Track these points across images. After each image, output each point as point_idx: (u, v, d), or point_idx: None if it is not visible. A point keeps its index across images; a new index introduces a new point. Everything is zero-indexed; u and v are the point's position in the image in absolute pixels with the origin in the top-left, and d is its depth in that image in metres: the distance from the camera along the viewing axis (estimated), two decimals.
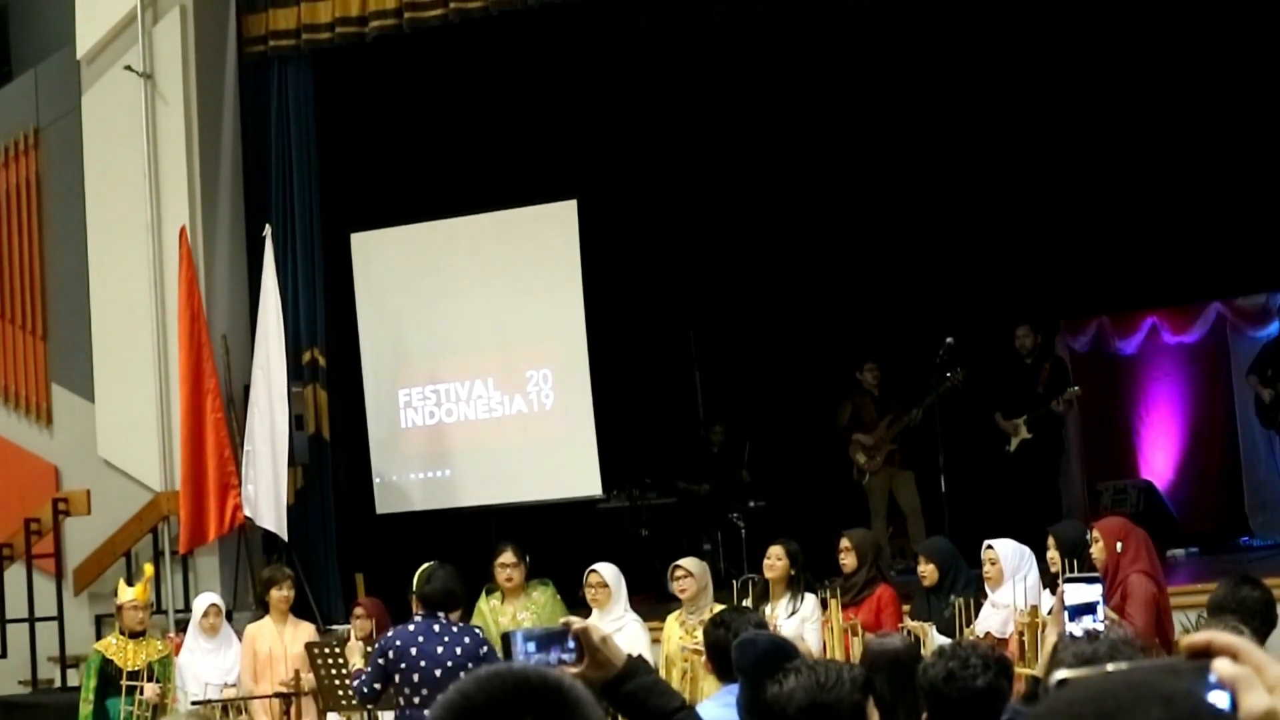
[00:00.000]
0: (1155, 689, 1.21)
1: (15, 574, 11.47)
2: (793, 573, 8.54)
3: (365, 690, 7.47)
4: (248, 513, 11.06)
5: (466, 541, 11.11)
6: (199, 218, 11.55)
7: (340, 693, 8.32)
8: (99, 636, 10.50)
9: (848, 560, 8.66)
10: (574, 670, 2.73)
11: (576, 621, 2.84)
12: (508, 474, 11.67)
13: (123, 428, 11.55)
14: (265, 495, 10.96)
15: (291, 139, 11.91)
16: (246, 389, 11.29)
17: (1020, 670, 5.99)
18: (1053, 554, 7.69)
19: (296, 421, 11.35)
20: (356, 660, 8.01)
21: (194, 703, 8.94)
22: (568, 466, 11.54)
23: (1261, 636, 5.50)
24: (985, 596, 7.96)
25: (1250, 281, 13.07)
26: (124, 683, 8.90)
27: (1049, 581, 7.60)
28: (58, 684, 11.29)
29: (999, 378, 12.37)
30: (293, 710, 8.94)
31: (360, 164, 12.45)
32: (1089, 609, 4.67)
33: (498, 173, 12.97)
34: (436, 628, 7.44)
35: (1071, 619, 4.72)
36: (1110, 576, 7.46)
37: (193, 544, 11.13)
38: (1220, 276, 12.96)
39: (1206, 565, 11.49)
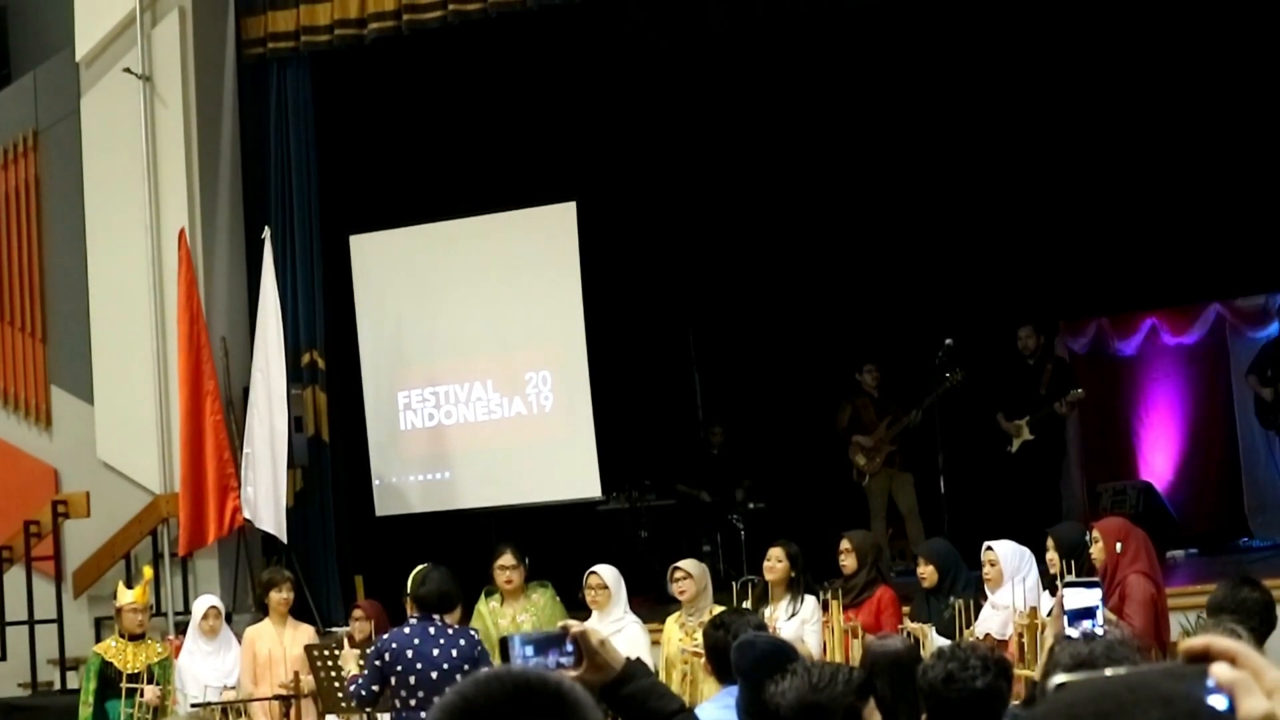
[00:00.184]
0: (1155, 691, 1.21)
1: (15, 576, 11.47)
2: (793, 574, 8.54)
3: (363, 694, 7.48)
4: (247, 515, 11.05)
5: (466, 543, 11.11)
6: (198, 220, 11.55)
7: (340, 695, 8.32)
8: (98, 639, 10.50)
9: (848, 562, 8.66)
10: (572, 673, 2.73)
11: (575, 625, 2.84)
12: (507, 476, 11.66)
13: (122, 430, 11.55)
14: (265, 497, 10.95)
15: (290, 141, 11.91)
16: (246, 391, 11.29)
17: (1019, 672, 5.99)
18: (1052, 555, 7.69)
19: (296, 423, 11.36)
20: (351, 667, 8.00)
21: (193, 705, 8.94)
22: (567, 468, 11.54)
23: (1261, 637, 5.49)
24: (985, 598, 7.96)
25: (1249, 282, 13.07)
26: (123, 685, 8.90)
27: (1049, 583, 7.60)
28: (57, 686, 11.29)
29: (1001, 379, 12.37)
30: (292, 712, 8.94)
31: (359, 166, 12.45)
32: (1088, 613, 4.67)
33: (497, 174, 12.97)
34: (432, 630, 7.44)
35: (1070, 623, 4.72)
36: (1109, 577, 7.46)
37: (192, 546, 11.12)
38: (1219, 277, 12.96)
39: (1206, 566, 11.49)
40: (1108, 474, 13.64)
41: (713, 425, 13.65)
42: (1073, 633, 4.47)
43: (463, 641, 7.47)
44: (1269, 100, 12.22)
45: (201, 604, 9.50)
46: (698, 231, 13.98)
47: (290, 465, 11.18)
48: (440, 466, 11.95)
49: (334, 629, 10.30)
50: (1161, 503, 13.17)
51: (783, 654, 4.33)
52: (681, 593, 8.56)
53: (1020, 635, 7.32)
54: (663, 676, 8.21)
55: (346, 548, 11.84)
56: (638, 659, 2.98)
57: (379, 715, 8.28)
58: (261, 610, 9.72)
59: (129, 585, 9.51)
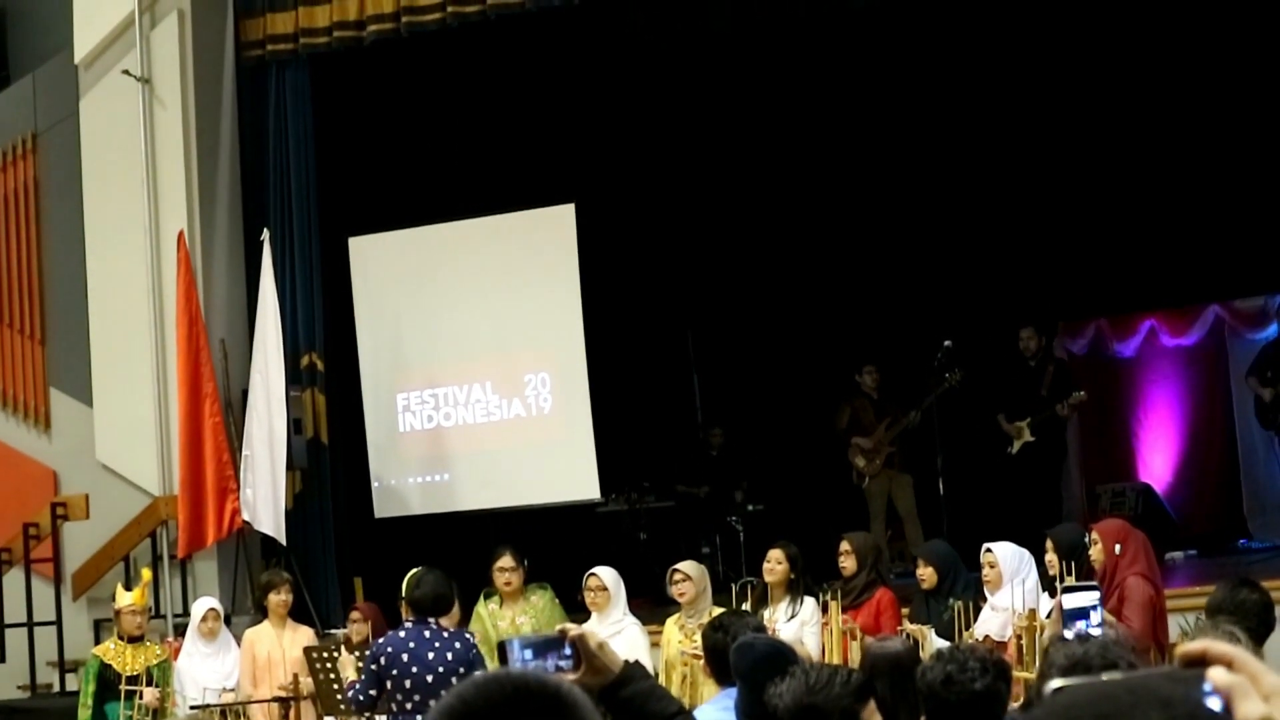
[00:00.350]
0: (1154, 693, 1.22)
1: (14, 579, 11.47)
2: (792, 576, 8.53)
3: (360, 699, 7.48)
4: (246, 517, 11.05)
5: (465, 545, 11.11)
6: (197, 222, 11.55)
7: (339, 697, 8.31)
8: (97, 641, 10.49)
9: (847, 563, 8.65)
10: (571, 676, 2.73)
11: (573, 628, 2.84)
12: (506, 478, 11.67)
13: (121, 432, 11.55)
14: (264, 499, 10.95)
15: (289, 143, 11.91)
16: (245, 393, 11.29)
17: (1018, 674, 5.99)
18: (1051, 557, 7.69)
19: (295, 426, 11.36)
20: (349, 673, 8.00)
21: (193, 707, 8.93)
22: (566, 470, 11.54)
23: (1259, 639, 5.49)
24: (984, 600, 7.96)
25: (1248, 283, 13.07)
26: (123, 687, 8.89)
27: (1048, 585, 7.60)
28: (56, 689, 11.29)
29: (1002, 380, 12.37)
30: (291, 714, 8.93)
31: (358, 168, 12.45)
32: (1084, 615, 4.68)
33: (495, 177, 12.98)
34: (427, 633, 7.44)
35: (1066, 625, 4.73)
36: (1108, 579, 7.46)
37: (191, 548, 11.12)
38: (1218, 278, 12.96)
39: (1205, 567, 11.49)
40: (1107, 475, 13.65)
41: (712, 427, 13.66)
42: (1068, 634, 4.48)
43: (458, 644, 7.47)
44: (1267, 101, 12.22)
45: (200, 606, 9.50)
46: (697, 233, 13.98)
47: (289, 467, 11.17)
48: (439, 468, 11.95)
49: (333, 631, 10.31)
50: (1160, 504, 13.17)
51: (781, 656, 4.33)
52: (681, 595, 8.56)
53: (1019, 637, 7.31)
54: (662, 678, 8.21)
55: (345, 550, 11.84)
56: (636, 661, 2.99)
57: (377, 719, 8.27)
58: (260, 612, 9.72)
59: (128, 587, 9.50)
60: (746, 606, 8.27)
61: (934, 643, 7.62)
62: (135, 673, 8.96)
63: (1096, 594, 4.99)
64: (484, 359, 11.79)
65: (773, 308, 13.96)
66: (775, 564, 8.58)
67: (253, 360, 11.19)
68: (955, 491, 11.70)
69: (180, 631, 10.01)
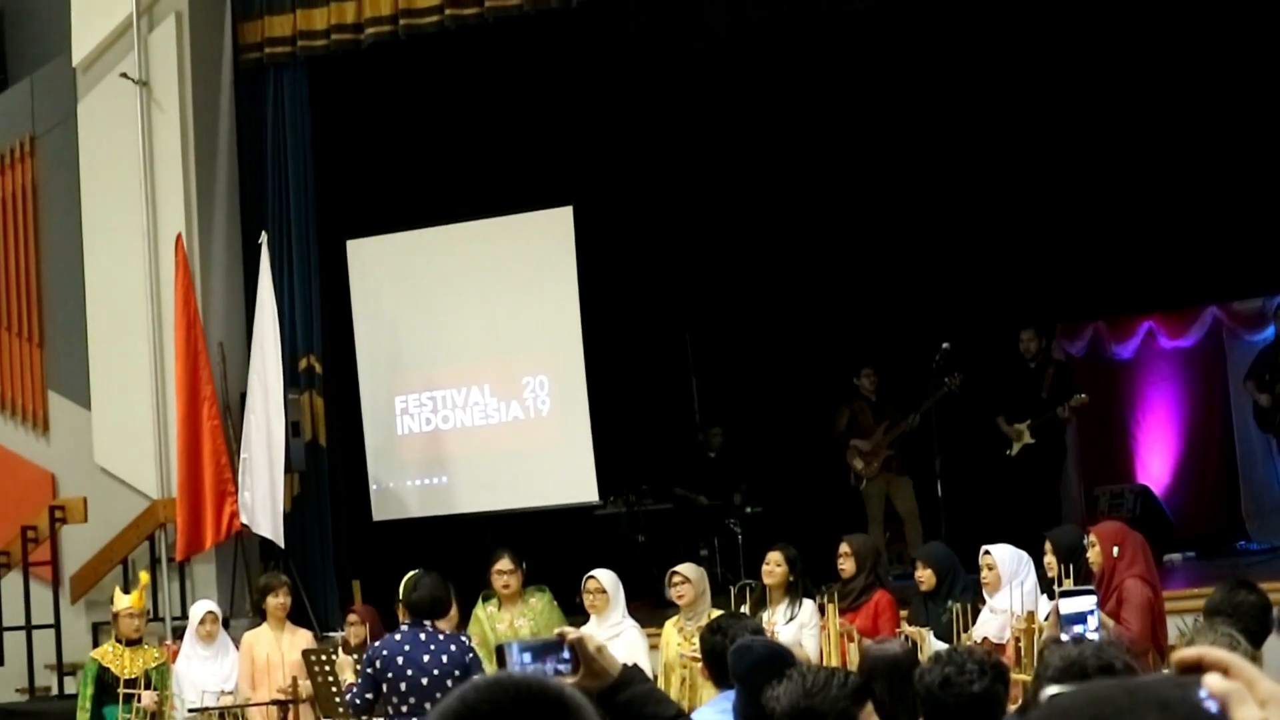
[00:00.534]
0: (1153, 695, 1.22)
1: (12, 582, 11.46)
2: (791, 578, 8.53)
3: (358, 702, 7.48)
4: (244, 520, 11.05)
5: (463, 548, 11.11)
6: (195, 225, 11.54)
7: (337, 700, 8.31)
8: (96, 644, 10.47)
9: (846, 565, 8.65)
10: (570, 680, 2.73)
11: (571, 631, 2.84)
12: (504, 480, 11.66)
13: (119, 435, 11.55)
14: (262, 502, 10.95)
15: (287, 146, 11.91)
16: (243, 396, 11.29)
17: (1017, 676, 5.99)
18: (1049, 559, 7.69)
19: (293, 428, 11.36)
20: (348, 675, 8.00)
21: (191, 710, 8.94)
22: (564, 472, 11.54)
23: (1257, 640, 5.49)
24: (983, 602, 7.96)
25: (1246, 285, 13.07)
26: (121, 690, 8.88)
27: (1047, 587, 7.60)
28: (55, 692, 11.27)
29: (1002, 382, 12.37)
30: (290, 717, 8.92)
31: (356, 170, 12.46)
32: (1081, 618, 4.68)
33: (493, 179, 12.98)
34: (423, 636, 7.43)
35: (1063, 628, 4.73)
36: (1106, 581, 7.46)
37: (189, 551, 11.12)
38: (1216, 280, 12.97)
39: (1203, 569, 11.49)
40: (1105, 477, 13.64)
41: (710, 429, 13.65)
42: (1064, 637, 4.48)
43: (453, 647, 7.47)
44: (1266, 103, 12.23)
45: (199, 609, 9.49)
46: (695, 235, 13.99)
47: (287, 470, 11.18)
48: (437, 471, 11.95)
49: (332, 634, 10.30)
50: (1159, 506, 13.17)
51: (780, 658, 4.33)
52: (680, 597, 8.55)
53: (1018, 639, 7.31)
54: (661, 681, 8.22)
55: (344, 553, 11.83)
56: (634, 665, 2.99)
57: None
58: (259, 615, 9.72)
59: (126, 590, 9.50)
60: (745, 609, 8.27)
61: (932, 645, 7.62)
62: (133, 676, 8.96)
63: (1093, 598, 4.99)
64: (482, 361, 11.79)
65: (771, 310, 13.96)
66: (774, 566, 8.58)
67: (251, 363, 11.19)
68: (954, 494, 11.69)
69: (178, 634, 10.01)
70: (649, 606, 10.33)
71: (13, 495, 11.76)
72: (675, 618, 8.65)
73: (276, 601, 9.32)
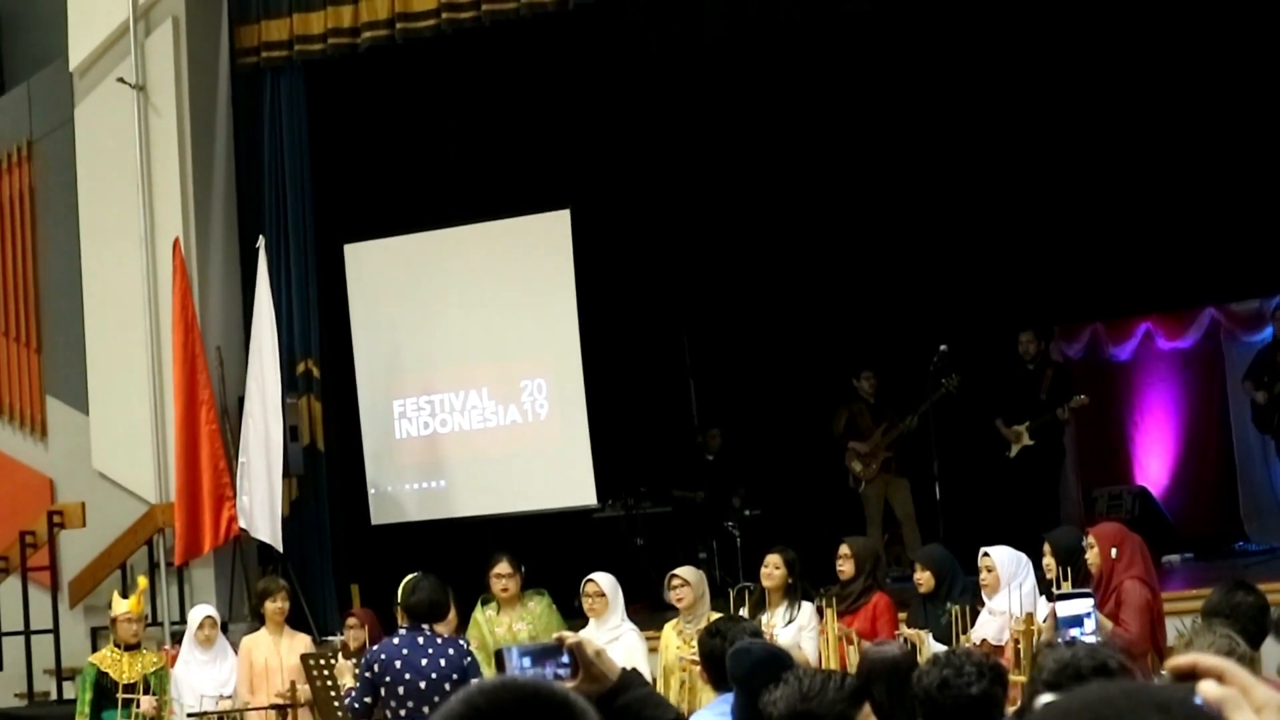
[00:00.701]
0: (1152, 697, 1.22)
1: (10, 587, 11.46)
2: (790, 581, 8.53)
3: (356, 706, 7.48)
4: (243, 524, 11.05)
5: (462, 552, 11.10)
6: (192, 229, 11.54)
7: (336, 704, 8.31)
8: (94, 649, 10.47)
9: (845, 567, 8.65)
10: (569, 684, 2.73)
11: (570, 635, 2.84)
12: (503, 484, 11.66)
13: (117, 440, 11.55)
14: (260, 507, 10.95)
15: (284, 150, 11.90)
16: (241, 401, 11.29)
17: (1015, 678, 5.99)
18: (1048, 560, 7.69)
19: (291, 433, 11.35)
20: (347, 680, 8.01)
21: (190, 715, 8.95)
22: (563, 476, 11.54)
23: (1255, 642, 5.49)
24: (982, 604, 7.96)
25: (1244, 286, 13.07)
26: (119, 695, 8.89)
27: (1045, 588, 7.60)
28: (54, 696, 11.27)
29: (1000, 384, 12.37)
30: None
31: (353, 175, 12.45)
32: (1078, 621, 4.69)
33: (491, 183, 12.97)
34: (420, 640, 7.43)
35: (1060, 631, 4.74)
36: (1105, 582, 7.46)
37: (188, 556, 11.12)
38: (1214, 281, 12.97)
39: (1202, 571, 11.49)
40: (1103, 479, 13.64)
41: (708, 431, 13.65)
42: (1060, 640, 4.48)
43: (451, 651, 7.47)
44: (1264, 104, 12.23)
45: (197, 613, 9.49)
46: (692, 237, 13.99)
47: (285, 474, 11.17)
48: (435, 475, 11.94)
49: (330, 638, 10.31)
50: (1157, 507, 13.17)
51: (778, 661, 4.32)
52: (679, 600, 8.55)
53: (1017, 641, 7.31)
54: (661, 684, 8.21)
55: (342, 557, 11.83)
56: (633, 669, 2.98)
57: None
58: (257, 619, 9.71)
59: (125, 595, 9.50)
60: (744, 612, 8.27)
61: (931, 647, 7.62)
62: (132, 680, 8.96)
63: (1090, 601, 5.00)
64: (480, 365, 11.79)
65: (769, 312, 13.97)
66: (773, 569, 8.58)
67: (249, 367, 11.19)
68: (952, 495, 11.69)
69: (177, 639, 10.01)
70: (648, 609, 10.33)
71: (11, 500, 11.76)
72: (674, 621, 8.65)
73: (275, 606, 9.32)
